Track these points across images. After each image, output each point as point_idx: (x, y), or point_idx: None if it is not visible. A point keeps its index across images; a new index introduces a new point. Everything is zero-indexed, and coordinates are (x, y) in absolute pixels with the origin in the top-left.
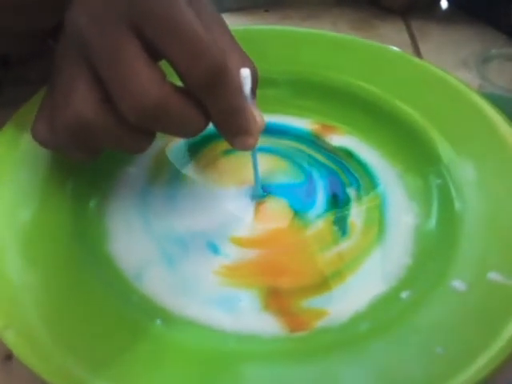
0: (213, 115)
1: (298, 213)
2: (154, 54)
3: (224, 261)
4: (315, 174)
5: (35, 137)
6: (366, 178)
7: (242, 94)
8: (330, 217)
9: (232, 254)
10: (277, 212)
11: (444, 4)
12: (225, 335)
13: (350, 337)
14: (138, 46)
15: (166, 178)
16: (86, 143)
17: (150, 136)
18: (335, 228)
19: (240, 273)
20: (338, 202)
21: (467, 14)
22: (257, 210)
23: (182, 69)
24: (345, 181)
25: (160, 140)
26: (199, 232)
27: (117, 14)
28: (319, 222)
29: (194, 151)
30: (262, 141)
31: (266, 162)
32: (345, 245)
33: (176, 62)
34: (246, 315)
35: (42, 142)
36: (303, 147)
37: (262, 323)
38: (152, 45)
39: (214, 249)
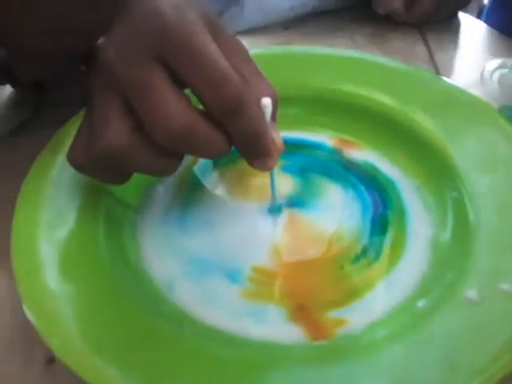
0: (234, 139)
1: (327, 232)
2: (179, 82)
3: (247, 288)
4: (346, 192)
5: (71, 162)
6: (390, 193)
7: (262, 120)
8: (363, 239)
9: (255, 283)
10: (304, 231)
11: (462, 17)
12: (251, 343)
13: (368, 344)
14: (164, 76)
15: (192, 195)
16: (119, 169)
17: (177, 159)
18: (369, 252)
19: (264, 296)
20: (373, 225)
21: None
22: (281, 228)
23: (205, 98)
24: (376, 200)
25: (186, 158)
26: (220, 258)
27: (144, 49)
28: (351, 243)
29: (220, 167)
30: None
31: (290, 178)
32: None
33: (199, 92)
34: (272, 325)
35: (78, 167)
36: (326, 161)
37: (286, 332)
38: (177, 75)
39: (234, 279)
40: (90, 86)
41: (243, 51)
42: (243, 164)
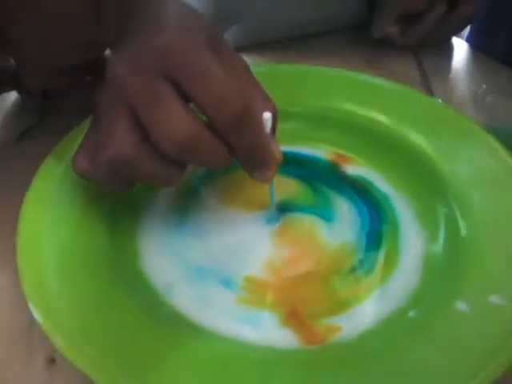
0: (236, 151)
1: (323, 243)
2: (185, 97)
3: (241, 295)
4: (342, 205)
5: (75, 169)
6: (385, 207)
7: (263, 133)
8: (358, 253)
9: (248, 292)
10: (298, 239)
11: (456, 42)
12: (246, 346)
13: (360, 351)
14: (170, 90)
15: (190, 202)
16: (124, 178)
17: (181, 169)
18: (364, 266)
19: (258, 302)
20: (368, 239)
21: (480, 51)
22: (277, 238)
23: (208, 113)
24: (371, 214)
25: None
26: (216, 267)
27: (152, 64)
28: (347, 256)
29: (219, 176)
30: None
31: (289, 187)
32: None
33: (203, 107)
34: (267, 329)
35: (82, 174)
36: (323, 175)
37: (280, 337)
38: (182, 90)
39: (229, 287)
40: (97, 98)
41: (244, 66)
42: (241, 173)
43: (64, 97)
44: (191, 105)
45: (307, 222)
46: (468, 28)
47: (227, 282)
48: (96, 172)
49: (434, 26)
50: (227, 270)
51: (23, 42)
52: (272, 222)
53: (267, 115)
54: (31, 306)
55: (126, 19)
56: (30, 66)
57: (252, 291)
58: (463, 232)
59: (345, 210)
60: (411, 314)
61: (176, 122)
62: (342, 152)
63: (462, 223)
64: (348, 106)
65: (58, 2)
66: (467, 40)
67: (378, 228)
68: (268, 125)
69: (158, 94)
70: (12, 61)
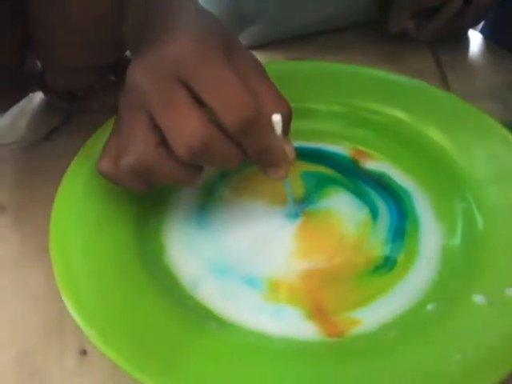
0: (248, 152)
1: (345, 240)
2: (199, 101)
3: (264, 293)
4: (363, 200)
5: (101, 172)
6: (406, 203)
7: (272, 136)
8: (383, 250)
9: (271, 291)
10: (321, 238)
11: (472, 35)
12: (270, 338)
13: (379, 343)
14: (185, 95)
15: (212, 199)
16: (145, 179)
17: (198, 170)
18: (387, 263)
19: (281, 299)
20: (393, 235)
21: (496, 44)
22: (299, 233)
23: (222, 117)
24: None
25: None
26: (239, 265)
27: (168, 71)
28: (371, 253)
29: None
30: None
31: (310, 181)
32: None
33: (216, 112)
34: (290, 323)
35: (107, 177)
36: (343, 170)
37: (302, 330)
38: (197, 95)
39: (252, 285)
40: (118, 103)
41: (258, 68)
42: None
43: (89, 96)
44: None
45: (330, 215)
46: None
47: (251, 282)
48: (119, 175)
49: (451, 20)
50: (250, 268)
51: (52, 44)
52: (292, 217)
53: (277, 118)
54: (65, 300)
55: (145, 26)
56: (55, 67)
57: (275, 290)
58: (480, 226)
59: (370, 204)
60: (429, 307)
61: (190, 128)
62: (361, 148)
63: (479, 217)
64: (366, 103)
65: (85, 4)
66: (481, 31)
67: (401, 223)
68: (278, 127)
69: (174, 99)
70: (38, 62)
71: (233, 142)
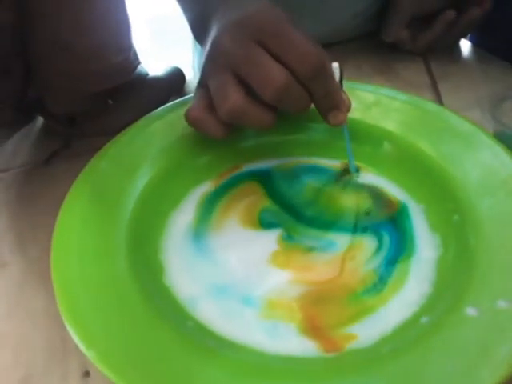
0: (314, 97)
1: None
2: (274, 57)
3: (261, 311)
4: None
5: (189, 119)
6: (398, 217)
7: (335, 80)
8: (379, 268)
9: (267, 309)
10: (316, 256)
11: (464, 45)
12: (267, 356)
13: (376, 357)
14: (264, 52)
15: (207, 221)
16: (236, 122)
17: (275, 114)
18: (383, 280)
19: (277, 316)
20: (388, 252)
21: (484, 49)
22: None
23: (294, 67)
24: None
25: (204, 185)
26: (235, 285)
27: (249, 34)
28: (367, 271)
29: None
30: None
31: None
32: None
33: (290, 63)
34: (287, 340)
35: (194, 122)
36: (337, 184)
37: (299, 346)
38: (272, 54)
39: (248, 304)
40: (202, 69)
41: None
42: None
43: (88, 121)
44: None
45: (322, 235)
46: None
47: (248, 301)
48: (207, 120)
49: (443, 31)
50: (246, 288)
51: (52, 73)
52: (353, 172)
53: (335, 64)
54: (67, 325)
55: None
56: (55, 93)
57: (272, 308)
58: (473, 238)
59: (361, 221)
60: (423, 320)
61: (273, 73)
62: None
63: (471, 229)
64: (356, 116)
65: (86, 40)
66: (470, 38)
67: (395, 237)
68: (337, 72)
69: (255, 56)
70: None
71: (304, 87)
